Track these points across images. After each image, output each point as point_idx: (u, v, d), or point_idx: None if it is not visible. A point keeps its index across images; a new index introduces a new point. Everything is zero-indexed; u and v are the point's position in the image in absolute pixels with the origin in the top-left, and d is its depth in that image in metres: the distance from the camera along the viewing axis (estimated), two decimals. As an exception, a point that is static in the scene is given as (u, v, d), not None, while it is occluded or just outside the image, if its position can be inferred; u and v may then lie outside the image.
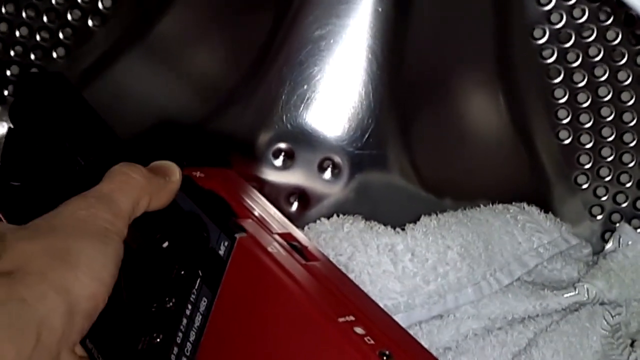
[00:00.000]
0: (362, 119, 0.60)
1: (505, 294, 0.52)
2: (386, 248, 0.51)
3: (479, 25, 0.59)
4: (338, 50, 0.59)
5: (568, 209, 0.62)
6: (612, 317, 0.52)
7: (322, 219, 0.55)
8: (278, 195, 0.61)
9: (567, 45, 0.59)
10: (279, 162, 0.61)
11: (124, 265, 0.37)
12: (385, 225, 0.53)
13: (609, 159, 0.61)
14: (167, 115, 0.61)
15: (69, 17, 0.60)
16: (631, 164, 0.61)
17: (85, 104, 0.48)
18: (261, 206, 0.44)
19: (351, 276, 0.49)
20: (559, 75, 0.60)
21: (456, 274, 0.51)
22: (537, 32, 0.59)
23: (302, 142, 0.60)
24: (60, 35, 0.61)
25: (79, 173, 0.44)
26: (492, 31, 0.59)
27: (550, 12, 0.58)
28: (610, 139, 0.61)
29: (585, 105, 0.60)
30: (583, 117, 0.61)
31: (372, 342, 0.34)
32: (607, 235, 0.62)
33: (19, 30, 0.60)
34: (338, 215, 0.55)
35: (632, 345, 0.52)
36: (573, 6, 0.58)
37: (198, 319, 0.39)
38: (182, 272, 0.39)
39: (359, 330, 0.35)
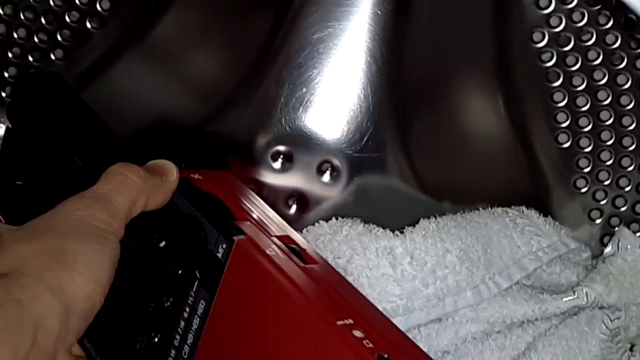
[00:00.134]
0: (361, 121, 0.60)
1: (504, 297, 0.52)
2: (385, 251, 0.51)
3: (479, 28, 0.59)
4: (337, 53, 0.59)
5: (567, 212, 0.61)
6: (611, 321, 0.52)
7: (321, 221, 0.55)
8: (276, 198, 0.61)
9: (567, 48, 0.59)
10: (277, 164, 0.60)
11: (121, 265, 0.37)
12: (384, 228, 0.53)
13: (608, 163, 0.61)
14: (166, 117, 0.61)
15: (67, 18, 0.60)
16: (630, 168, 0.61)
17: (83, 104, 0.48)
18: (259, 209, 0.44)
19: (350, 279, 0.49)
20: (558, 79, 0.60)
21: (455, 278, 0.51)
22: (536, 36, 0.59)
23: (301, 145, 0.60)
24: (59, 37, 0.61)
25: (77, 173, 0.44)
26: (492, 34, 0.59)
27: (549, 15, 0.58)
28: (610, 142, 0.61)
29: (584, 108, 0.60)
30: (582, 121, 0.61)
31: (370, 345, 0.34)
32: (606, 239, 0.62)
33: (17, 32, 0.60)
34: (337, 218, 0.55)
35: (631, 349, 0.52)
36: (572, 10, 0.58)
37: (196, 322, 0.39)
38: (180, 272, 0.39)
39: (357, 333, 0.35)
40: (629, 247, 0.58)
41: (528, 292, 0.53)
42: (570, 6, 0.58)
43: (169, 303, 0.39)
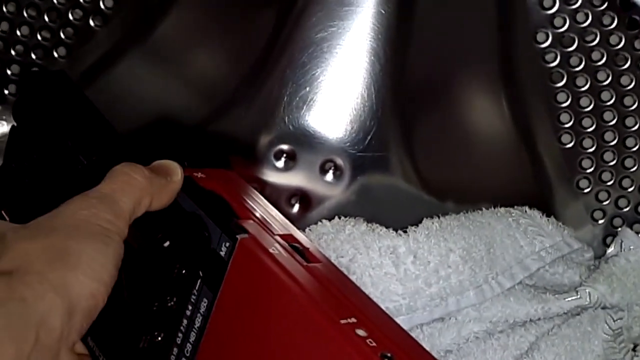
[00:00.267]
0: (365, 121, 0.60)
1: (507, 297, 0.52)
2: (388, 250, 0.51)
3: (482, 28, 0.59)
4: (341, 52, 0.59)
5: (570, 213, 0.61)
6: (614, 321, 0.52)
7: (324, 220, 0.55)
8: (279, 197, 0.61)
9: (570, 49, 0.59)
10: (280, 163, 0.60)
11: (125, 265, 0.37)
12: (387, 227, 0.53)
13: (611, 164, 0.61)
14: (169, 116, 0.61)
15: (71, 16, 0.60)
16: (633, 169, 0.61)
17: (88, 103, 0.47)
18: (262, 207, 0.44)
19: (353, 278, 0.49)
20: (562, 79, 0.60)
21: (458, 277, 0.51)
22: (540, 36, 0.59)
23: (304, 144, 0.60)
24: (62, 35, 0.61)
25: (81, 172, 0.44)
26: (495, 35, 0.59)
27: (553, 15, 0.58)
28: (613, 143, 0.61)
29: (587, 109, 0.60)
30: (585, 122, 0.61)
31: (374, 344, 0.34)
32: (608, 239, 0.62)
33: (20, 29, 0.60)
34: (339, 217, 0.55)
35: (634, 349, 0.52)
36: (576, 10, 0.58)
37: (198, 320, 0.39)
38: (184, 272, 0.39)
39: (360, 332, 0.34)
40: (631, 247, 0.58)
41: (531, 292, 0.53)
42: (574, 7, 0.58)
43: (172, 303, 0.39)
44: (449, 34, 0.60)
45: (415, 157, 0.61)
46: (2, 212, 0.48)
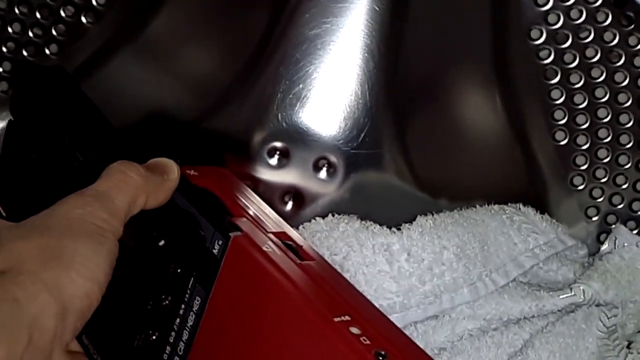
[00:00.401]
0: (358, 118, 0.60)
1: (501, 294, 0.52)
2: (382, 248, 0.51)
3: (476, 25, 0.59)
4: (334, 49, 0.59)
5: (564, 210, 0.61)
6: (608, 318, 0.52)
7: (317, 218, 0.55)
8: (273, 194, 0.60)
9: (564, 46, 0.59)
10: (274, 160, 0.60)
11: (120, 263, 0.37)
12: (380, 225, 0.53)
13: (605, 161, 0.61)
14: (162, 113, 0.61)
15: (63, 13, 0.60)
16: (627, 166, 0.61)
17: (86, 99, 0.47)
18: (256, 205, 0.44)
19: (346, 276, 0.49)
20: (556, 76, 0.60)
21: (452, 274, 0.51)
22: (534, 33, 0.59)
23: (298, 141, 0.60)
24: (54, 32, 0.60)
25: (78, 169, 0.43)
26: (489, 31, 0.59)
27: (547, 12, 0.58)
28: (607, 140, 0.61)
29: (581, 106, 0.60)
30: (580, 119, 0.61)
31: (367, 342, 0.34)
32: (602, 236, 0.62)
33: (11, 26, 0.60)
34: (333, 215, 0.55)
35: (628, 347, 0.52)
36: (570, 7, 0.58)
37: (191, 318, 0.38)
38: (179, 270, 0.39)
39: (354, 330, 0.34)
40: (625, 244, 0.58)
41: (525, 290, 0.53)
42: (568, 3, 0.58)
43: (167, 301, 0.39)
44: (442, 31, 0.60)
45: (409, 155, 0.61)
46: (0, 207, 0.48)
